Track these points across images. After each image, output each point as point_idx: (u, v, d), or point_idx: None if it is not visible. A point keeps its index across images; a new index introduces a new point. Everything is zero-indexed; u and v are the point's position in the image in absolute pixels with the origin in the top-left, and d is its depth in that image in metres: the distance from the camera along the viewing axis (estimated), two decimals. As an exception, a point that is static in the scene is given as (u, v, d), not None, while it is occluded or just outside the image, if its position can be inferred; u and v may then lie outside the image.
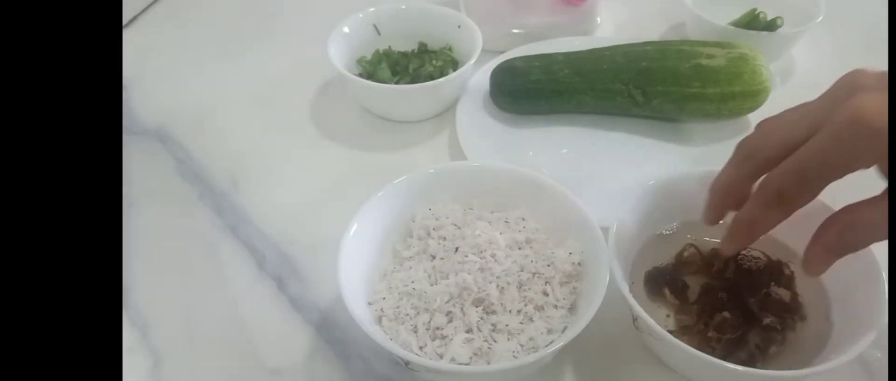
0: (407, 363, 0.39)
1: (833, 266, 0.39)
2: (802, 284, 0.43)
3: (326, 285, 0.49)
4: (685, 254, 0.45)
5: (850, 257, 0.36)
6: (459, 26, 0.65)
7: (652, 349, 0.43)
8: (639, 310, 0.38)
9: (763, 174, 0.35)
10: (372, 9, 0.66)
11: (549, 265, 0.43)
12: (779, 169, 0.34)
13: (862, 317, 0.38)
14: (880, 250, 0.39)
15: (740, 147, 0.37)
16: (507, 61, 0.63)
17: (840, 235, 0.34)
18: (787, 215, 0.34)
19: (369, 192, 0.45)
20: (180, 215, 0.55)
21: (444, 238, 0.45)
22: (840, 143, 0.31)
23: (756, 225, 0.36)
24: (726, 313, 0.40)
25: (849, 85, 0.32)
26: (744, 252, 0.43)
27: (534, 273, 0.43)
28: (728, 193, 0.38)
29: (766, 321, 0.40)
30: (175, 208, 0.56)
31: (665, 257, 0.45)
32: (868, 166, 0.31)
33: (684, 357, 0.38)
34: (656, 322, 0.38)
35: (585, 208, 0.44)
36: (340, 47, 0.63)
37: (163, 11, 0.80)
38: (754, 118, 0.59)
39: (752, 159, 0.36)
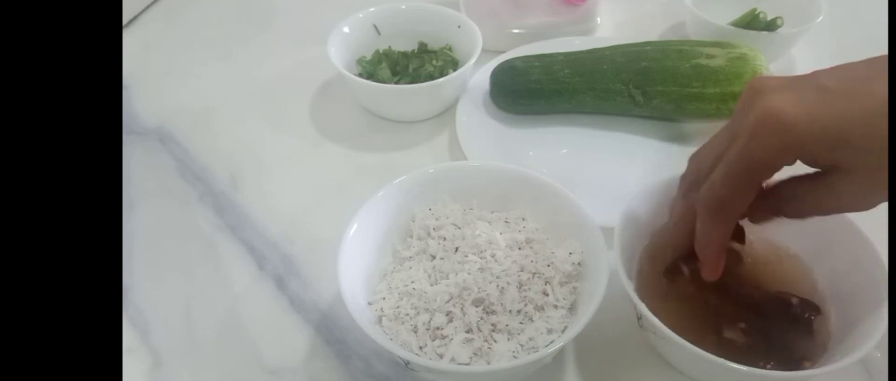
0: (407, 363, 0.39)
1: (839, 267, 0.40)
2: (809, 285, 0.43)
3: (326, 285, 0.49)
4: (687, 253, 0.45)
5: (856, 258, 0.37)
6: (459, 26, 0.65)
7: (656, 349, 0.43)
8: (643, 309, 0.38)
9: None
10: (372, 9, 0.67)
11: (549, 265, 0.43)
12: (710, 180, 0.35)
13: (866, 319, 0.38)
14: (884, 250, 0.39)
15: (683, 179, 0.40)
16: (507, 61, 0.63)
17: (779, 203, 0.36)
18: (734, 221, 0.36)
19: (369, 192, 0.45)
20: (180, 215, 0.55)
21: (444, 238, 0.45)
22: (758, 140, 0.32)
23: (713, 240, 0.37)
24: (742, 324, 0.41)
25: (754, 90, 0.34)
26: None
27: (534, 273, 0.43)
28: (685, 222, 0.39)
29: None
30: (175, 208, 0.56)
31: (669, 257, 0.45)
32: (792, 162, 0.33)
33: (690, 357, 0.38)
34: (661, 322, 0.38)
35: (585, 208, 0.44)
36: (340, 47, 0.63)
37: (163, 11, 0.80)
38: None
39: (696, 185, 0.37)
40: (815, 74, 0.33)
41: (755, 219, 0.39)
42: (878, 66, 0.31)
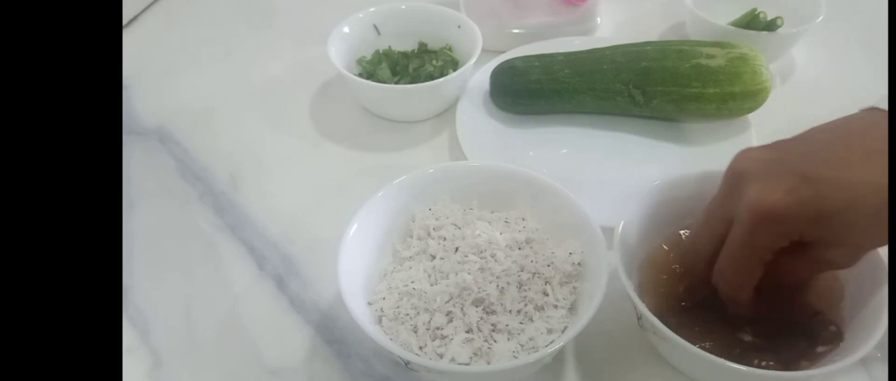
0: (407, 363, 0.39)
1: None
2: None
3: (326, 285, 0.49)
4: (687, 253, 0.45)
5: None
6: (459, 26, 0.65)
7: (656, 348, 0.43)
8: (643, 309, 0.38)
9: (708, 271, 0.40)
10: (372, 9, 0.67)
11: (549, 265, 0.43)
12: (717, 271, 0.38)
13: (867, 318, 0.38)
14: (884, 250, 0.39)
15: (682, 263, 0.43)
16: (507, 61, 0.63)
17: (780, 280, 0.39)
18: (750, 293, 0.38)
19: (369, 192, 0.45)
20: (180, 215, 0.55)
21: (444, 238, 0.45)
22: (757, 234, 0.35)
23: (743, 309, 0.39)
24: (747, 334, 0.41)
25: (739, 175, 0.36)
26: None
27: (534, 273, 0.43)
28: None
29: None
30: (175, 208, 0.56)
31: (668, 257, 0.45)
32: (789, 242, 0.35)
33: (689, 356, 0.38)
34: (660, 322, 0.38)
35: (585, 208, 0.44)
36: (340, 47, 0.63)
37: (163, 11, 0.80)
38: (754, 118, 0.59)
39: (695, 267, 0.41)
40: (790, 153, 0.36)
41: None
42: (847, 141, 0.35)
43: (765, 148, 0.37)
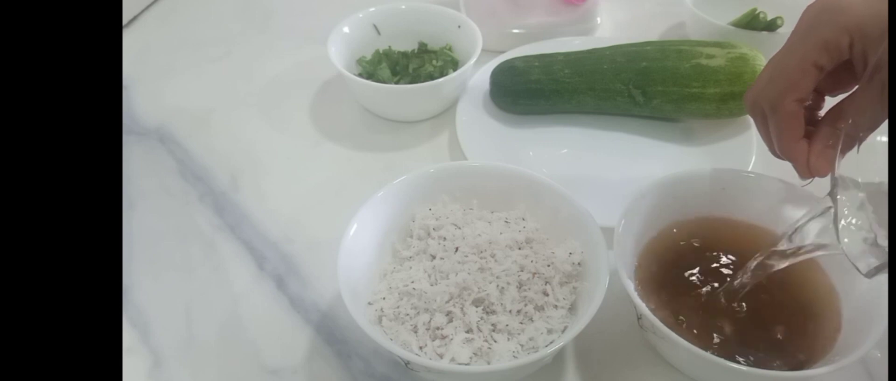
0: (407, 363, 0.39)
1: (841, 267, 0.40)
2: (811, 284, 0.43)
3: (326, 285, 0.49)
4: (687, 252, 0.45)
5: None
6: (459, 26, 0.65)
7: (656, 348, 0.43)
8: (643, 309, 0.38)
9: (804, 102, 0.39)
10: (372, 9, 0.67)
11: (549, 265, 0.43)
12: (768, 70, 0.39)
13: (867, 318, 0.38)
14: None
15: (773, 107, 0.40)
16: (507, 61, 0.63)
17: (833, 126, 0.38)
18: (795, 106, 0.38)
19: (369, 192, 0.45)
20: (180, 215, 0.55)
21: (444, 238, 0.45)
22: (819, 25, 0.36)
23: (784, 132, 0.39)
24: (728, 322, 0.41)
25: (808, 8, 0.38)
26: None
27: (534, 273, 0.43)
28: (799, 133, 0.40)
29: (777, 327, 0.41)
30: (175, 208, 0.56)
31: (668, 256, 0.45)
32: (847, 46, 0.35)
33: (689, 356, 0.38)
34: (660, 322, 0.38)
35: (585, 208, 0.44)
36: (340, 47, 0.63)
37: (163, 11, 0.80)
38: (754, 118, 0.59)
39: (790, 106, 0.39)
40: None
41: (817, 166, 0.39)
42: None
43: None
